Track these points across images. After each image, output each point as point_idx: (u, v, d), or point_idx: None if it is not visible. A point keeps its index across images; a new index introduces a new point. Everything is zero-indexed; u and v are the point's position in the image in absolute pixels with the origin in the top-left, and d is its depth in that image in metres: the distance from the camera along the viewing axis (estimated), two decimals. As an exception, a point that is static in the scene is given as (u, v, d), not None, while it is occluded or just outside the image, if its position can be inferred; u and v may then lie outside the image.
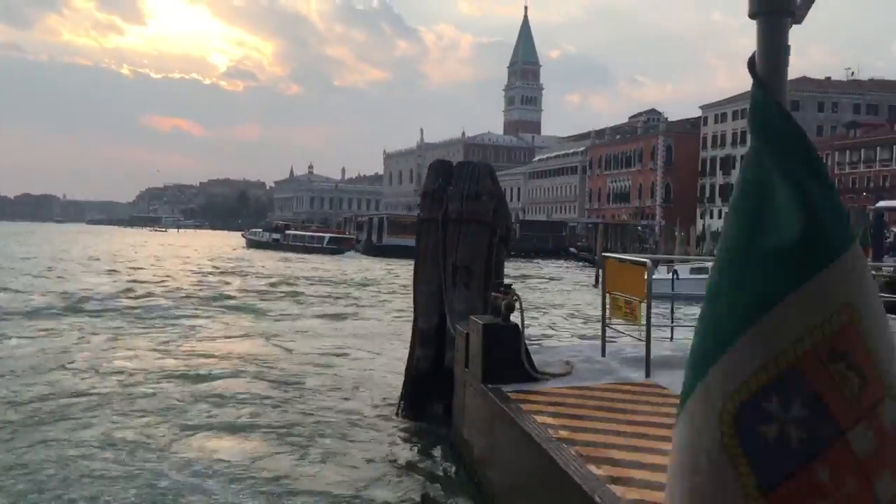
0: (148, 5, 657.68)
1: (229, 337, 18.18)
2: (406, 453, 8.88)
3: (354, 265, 55.81)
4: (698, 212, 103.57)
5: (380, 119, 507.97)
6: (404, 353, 11.13)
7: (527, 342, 7.82)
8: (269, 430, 9.65)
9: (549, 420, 6.05)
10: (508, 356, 7.37)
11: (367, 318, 22.76)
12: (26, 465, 8.03)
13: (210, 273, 41.91)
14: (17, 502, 7.02)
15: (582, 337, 18.05)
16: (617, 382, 7.38)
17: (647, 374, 7.51)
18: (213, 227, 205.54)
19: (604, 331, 8.66)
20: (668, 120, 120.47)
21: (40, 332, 17.53)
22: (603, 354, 8.68)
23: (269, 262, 55.91)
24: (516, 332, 7.49)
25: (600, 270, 30.86)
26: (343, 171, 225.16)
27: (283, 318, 22.27)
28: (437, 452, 8.68)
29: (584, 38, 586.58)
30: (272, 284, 35.47)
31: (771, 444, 1.02)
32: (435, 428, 9.44)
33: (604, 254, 9.70)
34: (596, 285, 18.37)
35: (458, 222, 10.34)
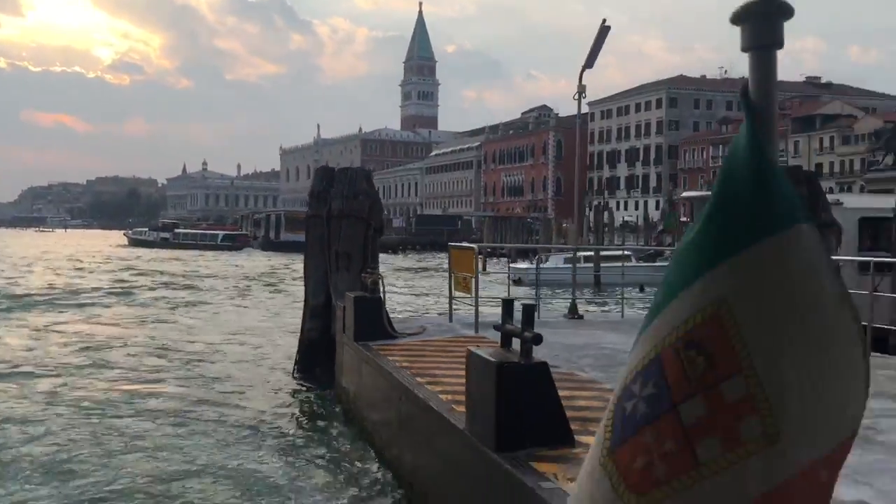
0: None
1: (140, 323, 20.05)
2: (298, 403, 11.27)
3: (252, 261, 57.19)
4: (585, 204, 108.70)
5: (275, 114, 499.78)
6: (297, 327, 13.48)
7: (393, 313, 10.29)
8: (182, 385, 11.91)
9: (399, 359, 8.55)
10: (373, 320, 9.87)
11: (266, 304, 24.96)
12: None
13: (110, 270, 42.71)
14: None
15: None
16: (454, 337, 9.95)
17: (476, 331, 10.12)
18: (103, 227, 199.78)
19: (451, 302, 11.26)
20: (559, 115, 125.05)
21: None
22: (450, 320, 11.29)
23: (163, 260, 56.58)
24: (379, 303, 10.00)
25: (481, 259, 33.30)
26: (238, 167, 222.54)
27: (191, 307, 24.17)
28: (322, 401, 11.10)
29: (479, 33, 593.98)
30: (173, 279, 36.93)
31: (626, 416, 1.27)
32: (322, 384, 11.82)
33: (449, 243, 12.27)
34: (483, 272, 20.72)
35: (339, 217, 12.73)
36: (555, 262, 34.86)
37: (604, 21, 10.41)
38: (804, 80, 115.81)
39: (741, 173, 1.24)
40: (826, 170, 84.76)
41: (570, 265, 33.87)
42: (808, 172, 13.64)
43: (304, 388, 11.90)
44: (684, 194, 35.80)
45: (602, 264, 33.56)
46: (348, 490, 7.39)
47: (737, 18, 1.29)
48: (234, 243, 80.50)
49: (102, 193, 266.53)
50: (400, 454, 7.38)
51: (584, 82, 11.74)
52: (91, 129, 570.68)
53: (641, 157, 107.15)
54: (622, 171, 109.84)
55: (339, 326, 10.94)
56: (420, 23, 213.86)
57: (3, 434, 9.32)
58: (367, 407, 9.04)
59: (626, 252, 37.02)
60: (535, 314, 10.72)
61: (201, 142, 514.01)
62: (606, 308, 22.31)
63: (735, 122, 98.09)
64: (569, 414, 5.62)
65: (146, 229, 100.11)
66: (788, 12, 1.28)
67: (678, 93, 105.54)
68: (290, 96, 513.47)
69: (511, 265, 34.01)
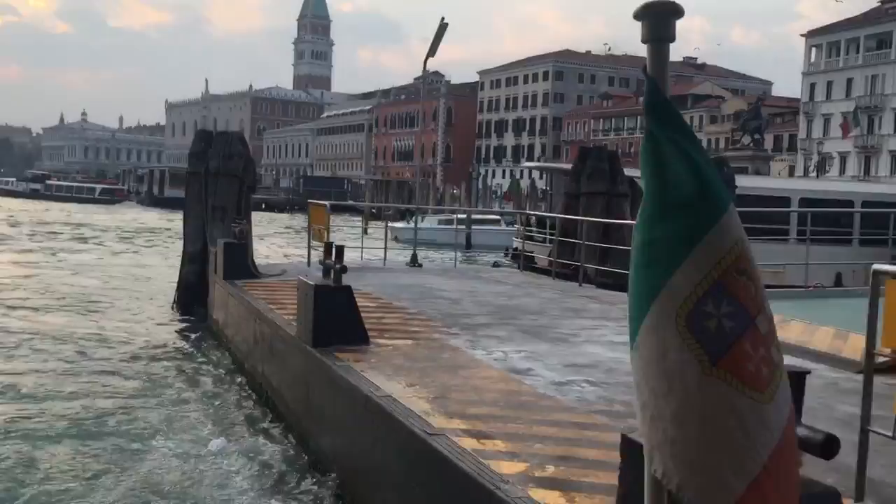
0: None
1: (17, 265, 21.06)
2: (176, 333, 13.01)
3: (133, 215, 57.02)
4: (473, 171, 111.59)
5: (161, 65, 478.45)
6: (176, 272, 15.15)
7: (266, 261, 12.11)
8: (65, 317, 13.43)
9: (258, 293, 10.47)
10: (239, 262, 11.75)
11: (146, 254, 26.22)
12: None
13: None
14: None
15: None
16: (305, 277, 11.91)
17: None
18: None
19: (308, 249, 13.20)
20: (450, 83, 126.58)
21: None
22: (308, 265, 13.26)
23: (37, 211, 55.64)
24: (245, 248, 11.88)
25: (363, 220, 35.22)
26: (121, 119, 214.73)
27: (71, 254, 25.18)
28: (197, 332, 12.88)
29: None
30: (49, 228, 37.19)
31: (713, 332, 1.48)
32: (197, 319, 13.58)
33: (309, 200, 14.20)
34: (365, 233, 22.40)
35: (216, 175, 14.44)
36: (430, 223, 37.28)
37: (442, 19, 12.44)
38: (682, 60, 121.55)
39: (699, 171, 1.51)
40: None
41: (442, 226, 36.29)
42: (611, 152, 16.22)
43: (182, 322, 13.64)
44: (524, 164, 39.06)
45: (473, 227, 36.38)
46: (216, 396, 9.30)
47: (637, 15, 1.53)
48: (112, 197, 79.96)
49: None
50: (254, 363, 9.37)
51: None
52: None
53: (528, 128, 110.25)
54: (509, 140, 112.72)
55: (212, 268, 12.74)
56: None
57: None
58: (233, 332, 10.96)
59: (495, 217, 39.84)
60: (384, 261, 12.83)
61: (81, 91, 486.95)
62: (470, 264, 24.71)
63: (616, 97, 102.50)
64: (375, 327, 7.75)
65: (13, 179, 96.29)
66: (680, 12, 1.52)
67: (564, 66, 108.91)
68: (177, 47, 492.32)
69: (389, 224, 36.07)
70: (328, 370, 6.48)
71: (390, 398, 5.45)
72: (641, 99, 1.64)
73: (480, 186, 61.10)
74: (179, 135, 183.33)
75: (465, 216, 39.36)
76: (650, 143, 1.57)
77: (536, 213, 21.67)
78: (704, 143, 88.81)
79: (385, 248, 14.54)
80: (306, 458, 6.81)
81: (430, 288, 10.92)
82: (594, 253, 13.27)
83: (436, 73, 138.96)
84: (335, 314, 7.06)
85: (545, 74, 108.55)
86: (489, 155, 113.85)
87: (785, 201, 16.96)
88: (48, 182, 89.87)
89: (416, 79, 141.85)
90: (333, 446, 6.41)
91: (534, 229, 17.09)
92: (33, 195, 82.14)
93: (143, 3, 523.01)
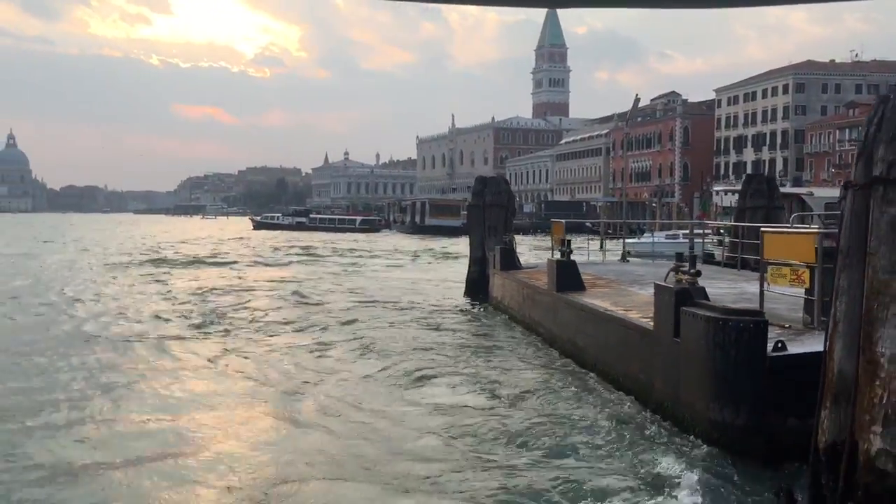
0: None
1: (336, 276, 30.00)
2: (468, 308, 20.47)
3: (402, 241, 67.38)
4: (713, 189, 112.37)
5: (409, 101, 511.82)
6: (463, 273, 22.76)
7: (525, 260, 19.21)
8: (394, 310, 21.26)
9: (522, 276, 17.46)
10: (509, 259, 18.93)
11: (430, 263, 34.76)
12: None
13: (291, 246, 53.82)
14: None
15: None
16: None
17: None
18: (256, 215, 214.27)
19: (552, 252, 20.04)
20: (687, 101, 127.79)
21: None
22: (553, 262, 20.15)
23: (322, 242, 67.38)
24: (511, 250, 19.03)
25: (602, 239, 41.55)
26: (377, 156, 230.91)
27: (378, 267, 34.25)
28: (483, 306, 20.21)
29: (610, 12, 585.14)
30: (353, 248, 47.54)
31: None
32: (481, 300, 20.89)
33: (552, 220, 21.05)
34: (601, 249, 28.20)
35: (490, 206, 21.80)
36: (658, 237, 42.78)
37: (637, 94, 18.38)
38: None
39: None
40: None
41: (668, 240, 41.60)
42: (769, 177, 21.55)
43: (472, 303, 21.12)
44: (715, 188, 43.03)
45: (696, 239, 41.48)
46: (503, 336, 16.25)
47: None
48: (372, 226, 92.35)
49: (253, 183, 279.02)
50: (523, 312, 16.38)
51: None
52: (237, 121, 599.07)
53: (768, 142, 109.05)
54: (749, 156, 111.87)
55: (491, 264, 20.10)
56: (550, 9, 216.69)
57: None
58: (508, 300, 18.14)
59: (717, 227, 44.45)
60: (603, 260, 19.58)
61: (340, 131, 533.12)
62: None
63: (861, 105, 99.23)
64: (590, 284, 14.36)
65: (279, 214, 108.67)
66: None
67: (805, 78, 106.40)
68: (422, 83, 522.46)
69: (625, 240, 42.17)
70: (564, 299, 13.26)
71: (592, 304, 12.09)
72: None
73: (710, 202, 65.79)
74: (429, 167, 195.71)
75: (687, 230, 44.41)
76: None
77: (717, 223, 27.32)
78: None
79: (603, 251, 21.17)
80: (554, 347, 13.62)
81: (629, 271, 17.41)
82: (756, 249, 18.70)
83: (672, 92, 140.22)
84: (566, 273, 13.83)
85: (785, 87, 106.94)
86: (728, 171, 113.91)
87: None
88: (311, 216, 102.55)
89: (652, 100, 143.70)
90: (567, 332, 13.17)
91: (720, 235, 22.63)
92: (298, 227, 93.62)
93: (391, 44, 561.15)
